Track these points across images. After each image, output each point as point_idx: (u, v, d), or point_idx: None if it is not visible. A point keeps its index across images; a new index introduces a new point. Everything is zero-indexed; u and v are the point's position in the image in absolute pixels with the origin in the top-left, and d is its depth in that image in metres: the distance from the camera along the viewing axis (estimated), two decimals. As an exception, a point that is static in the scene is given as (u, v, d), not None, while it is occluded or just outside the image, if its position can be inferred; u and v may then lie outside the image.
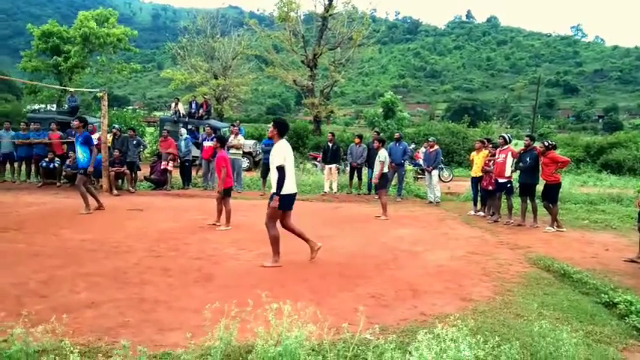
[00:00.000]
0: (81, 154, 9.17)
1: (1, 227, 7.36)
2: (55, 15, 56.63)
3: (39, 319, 3.61)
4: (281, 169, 5.71)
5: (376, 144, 10.54)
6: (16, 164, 13.35)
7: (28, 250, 6.12)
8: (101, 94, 12.18)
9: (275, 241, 5.90)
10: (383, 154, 10.10)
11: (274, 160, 5.83)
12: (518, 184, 9.86)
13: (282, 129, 5.97)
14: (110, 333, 3.71)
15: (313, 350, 3.14)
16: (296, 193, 6.04)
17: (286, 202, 5.86)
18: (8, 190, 11.86)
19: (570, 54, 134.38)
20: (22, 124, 13.82)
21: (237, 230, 8.02)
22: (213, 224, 8.31)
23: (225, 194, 8.26)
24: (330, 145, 13.51)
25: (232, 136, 13.24)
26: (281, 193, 5.74)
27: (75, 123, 9.33)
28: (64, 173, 12.64)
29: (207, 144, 12.72)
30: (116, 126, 13.48)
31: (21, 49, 30.77)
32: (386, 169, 10.14)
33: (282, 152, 5.78)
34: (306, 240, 6.20)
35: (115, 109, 28.63)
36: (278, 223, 5.98)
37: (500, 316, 4.39)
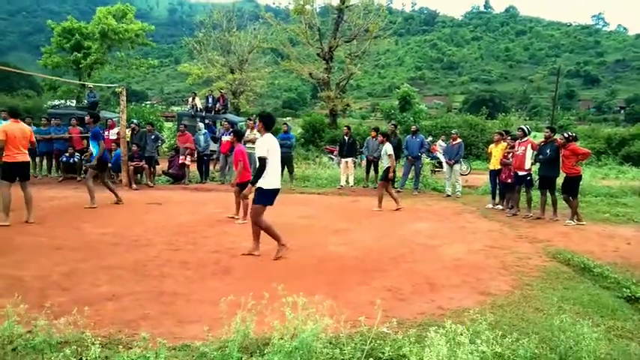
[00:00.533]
0: (92, 148, 9.50)
1: (24, 221, 7.50)
2: (74, 11, 57.41)
3: (61, 311, 3.68)
4: (262, 161, 5.76)
5: (380, 138, 10.57)
6: (37, 159, 13.59)
7: (50, 244, 6.25)
8: (120, 90, 12.31)
9: (269, 230, 5.97)
10: (390, 148, 10.09)
11: (257, 152, 5.91)
12: (537, 177, 9.72)
13: (267, 123, 6.05)
14: (130, 325, 3.77)
15: (330, 343, 3.15)
16: (279, 189, 6.02)
17: (269, 197, 5.87)
18: (30, 184, 12.06)
19: (591, 44, 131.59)
20: (42, 119, 14.05)
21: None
22: (232, 217, 8.38)
23: (243, 188, 8.28)
24: (346, 138, 13.47)
25: (249, 130, 13.28)
26: (265, 187, 5.80)
27: (87, 118, 9.89)
28: (84, 168, 12.83)
29: (225, 138, 12.79)
30: (135, 121, 13.62)
31: (41, 45, 31.21)
32: (388, 163, 10.11)
33: (265, 145, 5.84)
34: (275, 237, 6.04)
35: (133, 104, 28.96)
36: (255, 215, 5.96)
37: (519, 310, 4.35)
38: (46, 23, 28.42)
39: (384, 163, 10.26)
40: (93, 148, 9.42)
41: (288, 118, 38.09)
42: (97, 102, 16.63)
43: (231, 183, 8.43)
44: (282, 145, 12.61)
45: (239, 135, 8.98)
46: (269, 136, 5.99)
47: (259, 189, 5.82)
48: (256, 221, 5.91)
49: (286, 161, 12.65)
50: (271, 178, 5.84)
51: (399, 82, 67.05)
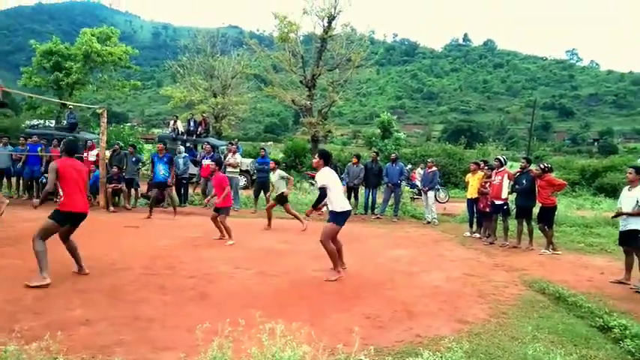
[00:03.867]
0: (163, 171, 11.42)
1: (-3, 243, 7.32)
2: (57, 32, 57.18)
3: (33, 336, 3.61)
4: (322, 190, 6.54)
5: (272, 164, 11.24)
6: (13, 179, 13.34)
7: (23, 266, 6.08)
8: (100, 111, 12.26)
9: (333, 255, 6.46)
10: (278, 174, 10.78)
11: (318, 183, 6.71)
12: (514, 206, 9.91)
13: (325, 158, 6.79)
14: (104, 351, 3.69)
15: (308, 371, 3.13)
16: (350, 211, 6.82)
17: (343, 218, 6.55)
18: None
19: (566, 78, 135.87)
20: (20, 138, 13.84)
21: (233, 249, 8.03)
22: (220, 238, 8.62)
23: (223, 212, 8.55)
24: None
25: (230, 155, 13.31)
26: (338, 210, 6.51)
27: (159, 146, 12.04)
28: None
29: (205, 162, 12.78)
30: (119, 142, 13.55)
31: (21, 65, 30.92)
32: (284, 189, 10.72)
33: (325, 177, 6.57)
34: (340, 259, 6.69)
35: (113, 125, 28.70)
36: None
37: (495, 338, 4.39)
38: (28, 43, 28.21)
39: (280, 189, 10.76)
40: (164, 171, 11.47)
41: (269, 143, 38.23)
42: (76, 123, 16.46)
43: (208, 204, 8.99)
44: (259, 170, 12.81)
45: (219, 163, 9.22)
46: (327, 169, 6.72)
47: (333, 212, 6.54)
48: (325, 241, 6.41)
49: (263, 185, 12.71)
50: (341, 203, 6.64)
51: (380, 111, 68.02)
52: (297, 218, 10.69)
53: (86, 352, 3.64)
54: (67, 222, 5.71)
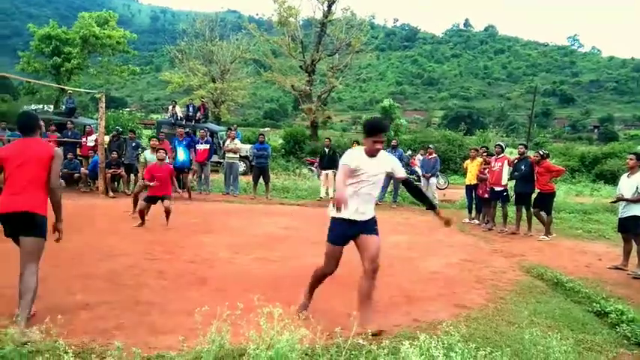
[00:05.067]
0: (182, 154, 11.90)
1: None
2: (54, 16, 56.58)
3: (34, 319, 3.63)
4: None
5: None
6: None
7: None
8: (99, 96, 12.21)
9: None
10: None
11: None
12: (513, 193, 9.92)
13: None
14: (104, 334, 3.72)
15: (306, 355, 3.16)
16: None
17: None
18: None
19: (567, 64, 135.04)
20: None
21: (232, 234, 8.05)
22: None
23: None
24: (327, 150, 13.55)
25: (229, 140, 13.29)
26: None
27: (180, 131, 12.83)
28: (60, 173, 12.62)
29: (200, 147, 12.78)
30: (119, 128, 13.52)
31: (19, 49, 30.73)
32: None
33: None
34: None
35: (112, 110, 28.61)
36: None
37: (492, 323, 4.42)
38: (26, 27, 28.00)
39: None
40: (184, 155, 11.93)
41: (266, 129, 38.15)
42: (75, 108, 16.37)
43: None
44: (258, 156, 12.81)
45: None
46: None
47: None
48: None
49: (262, 171, 12.74)
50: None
51: (381, 97, 67.64)
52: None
53: (86, 335, 3.66)
54: (6, 231, 4.05)
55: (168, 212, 8.28)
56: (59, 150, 4.12)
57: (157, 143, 10.91)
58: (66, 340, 3.12)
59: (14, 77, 20.56)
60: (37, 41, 26.53)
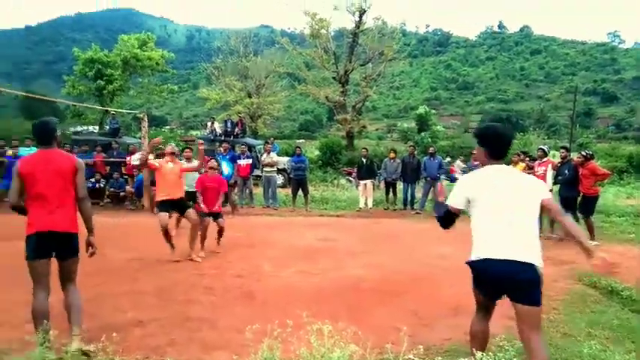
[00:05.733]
0: (226, 168, 11.81)
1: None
2: (96, 40, 58.86)
3: (90, 337, 3.74)
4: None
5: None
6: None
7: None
8: (141, 116, 12.59)
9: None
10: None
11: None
12: (558, 198, 9.61)
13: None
14: (157, 351, 3.81)
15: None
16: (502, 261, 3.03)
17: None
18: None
19: (608, 61, 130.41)
20: (66, 145, 14.35)
21: (275, 247, 8.11)
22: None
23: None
24: (364, 160, 13.51)
25: (266, 154, 13.46)
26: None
27: (225, 146, 12.89)
28: (107, 193, 13.05)
29: (242, 162, 12.96)
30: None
31: (64, 73, 32.11)
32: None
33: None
34: None
35: (153, 128, 29.45)
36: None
37: (546, 335, 4.25)
38: (72, 51, 29.22)
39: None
40: (228, 168, 11.91)
41: (301, 141, 38.42)
42: (119, 128, 16.95)
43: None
44: (296, 169, 12.92)
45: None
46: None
47: None
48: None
49: (300, 183, 12.86)
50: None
51: (415, 103, 67.04)
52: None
53: (140, 352, 3.76)
54: (41, 250, 3.73)
55: (221, 231, 7.82)
56: (81, 160, 3.95)
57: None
58: (121, 358, 3.21)
59: (61, 101, 21.51)
60: (81, 65, 27.64)
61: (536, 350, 2.93)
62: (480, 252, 3.01)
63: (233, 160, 12.62)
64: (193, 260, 6.99)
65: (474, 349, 3.06)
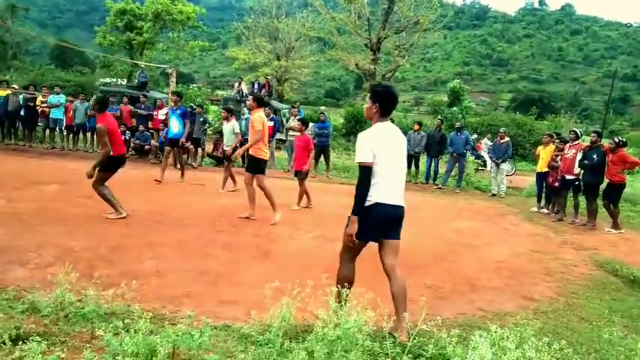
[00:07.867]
0: (176, 126, 9.94)
1: (76, 194, 7.76)
2: (128, -8, 58.62)
3: (109, 283, 3.81)
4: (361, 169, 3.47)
5: (224, 114, 9.85)
6: (88, 134, 14.07)
7: (98, 217, 6.46)
8: (170, 71, 12.58)
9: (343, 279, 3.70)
10: (231, 126, 9.42)
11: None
12: (581, 182, 9.36)
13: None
14: (174, 302, 3.87)
15: (370, 336, 3.14)
16: (394, 206, 3.54)
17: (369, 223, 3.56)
18: (82, 158, 12.53)
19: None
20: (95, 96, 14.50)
21: (293, 211, 8.13)
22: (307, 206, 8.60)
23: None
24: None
25: (292, 118, 13.38)
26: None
27: (173, 97, 10.38)
28: (132, 145, 13.20)
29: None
30: (192, 105, 13.87)
31: (95, 24, 32.17)
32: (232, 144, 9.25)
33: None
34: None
35: (180, 85, 29.49)
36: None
37: (563, 318, 4.22)
38: (102, 3, 29.18)
39: (228, 142, 9.49)
40: (179, 126, 9.95)
41: (323, 107, 38.14)
42: (146, 82, 17.01)
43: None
44: (320, 135, 12.81)
45: (306, 123, 8.86)
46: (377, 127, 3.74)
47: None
48: (340, 256, 4.06)
49: (323, 150, 12.78)
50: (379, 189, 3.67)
51: (446, 77, 65.58)
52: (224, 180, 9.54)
53: (157, 301, 3.82)
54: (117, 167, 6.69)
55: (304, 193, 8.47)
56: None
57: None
58: (139, 305, 3.27)
59: (91, 51, 21.59)
60: (113, 16, 27.62)
61: (399, 275, 3.69)
62: (378, 198, 3.46)
63: (184, 116, 10.31)
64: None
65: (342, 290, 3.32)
